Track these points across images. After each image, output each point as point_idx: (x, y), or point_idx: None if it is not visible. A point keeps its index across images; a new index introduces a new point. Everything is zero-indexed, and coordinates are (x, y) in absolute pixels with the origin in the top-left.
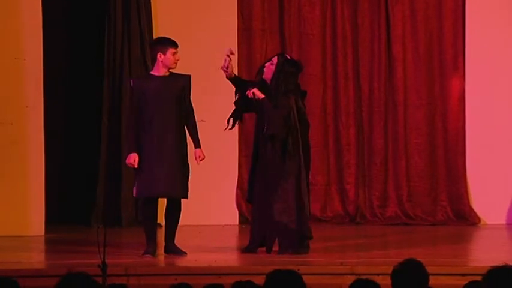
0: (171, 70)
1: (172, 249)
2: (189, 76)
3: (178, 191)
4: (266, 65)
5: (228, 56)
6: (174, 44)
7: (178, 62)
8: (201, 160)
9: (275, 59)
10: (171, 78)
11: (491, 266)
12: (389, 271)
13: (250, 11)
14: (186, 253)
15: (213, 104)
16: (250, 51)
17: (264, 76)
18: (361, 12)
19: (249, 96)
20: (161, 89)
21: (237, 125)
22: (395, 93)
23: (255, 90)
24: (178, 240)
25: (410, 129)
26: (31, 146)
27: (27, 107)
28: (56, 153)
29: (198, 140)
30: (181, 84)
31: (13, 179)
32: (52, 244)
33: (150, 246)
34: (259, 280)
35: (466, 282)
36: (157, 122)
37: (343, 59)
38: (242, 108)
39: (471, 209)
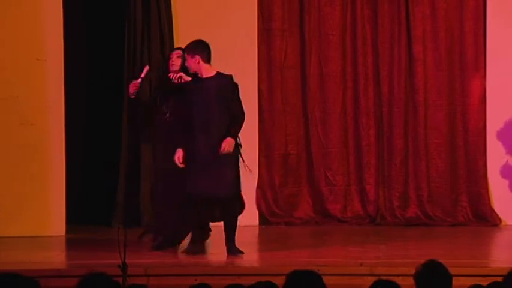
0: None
1: (231, 249)
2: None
3: (226, 191)
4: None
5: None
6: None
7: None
8: (223, 150)
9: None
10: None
11: None
12: (410, 272)
13: (270, 12)
14: (243, 252)
15: None
16: (270, 51)
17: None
18: (381, 13)
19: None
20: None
21: (257, 124)
22: (416, 94)
23: (181, 74)
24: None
25: (431, 130)
26: (52, 146)
27: (48, 107)
28: (76, 154)
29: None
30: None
31: (34, 179)
32: (72, 244)
33: (195, 246)
34: (279, 281)
35: (487, 283)
36: (204, 122)
37: (363, 59)
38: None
39: (492, 210)
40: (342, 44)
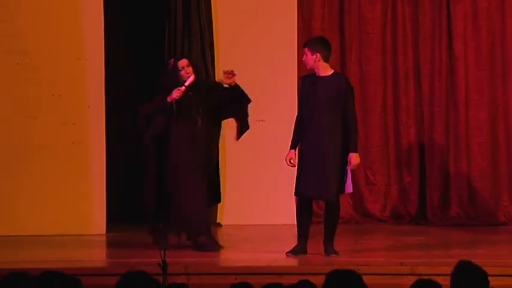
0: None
1: (327, 249)
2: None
3: (327, 193)
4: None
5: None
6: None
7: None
8: (353, 167)
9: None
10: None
11: None
12: (451, 272)
13: (310, 11)
14: (337, 253)
15: (273, 103)
16: None
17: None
18: (422, 11)
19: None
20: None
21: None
22: (457, 93)
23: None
24: (237, 239)
25: (472, 129)
26: (93, 145)
27: (89, 106)
28: (117, 153)
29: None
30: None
31: (75, 178)
32: (113, 243)
33: (296, 246)
34: (319, 280)
35: None
36: (314, 121)
37: (403, 58)
38: None
39: None
40: (383, 42)
